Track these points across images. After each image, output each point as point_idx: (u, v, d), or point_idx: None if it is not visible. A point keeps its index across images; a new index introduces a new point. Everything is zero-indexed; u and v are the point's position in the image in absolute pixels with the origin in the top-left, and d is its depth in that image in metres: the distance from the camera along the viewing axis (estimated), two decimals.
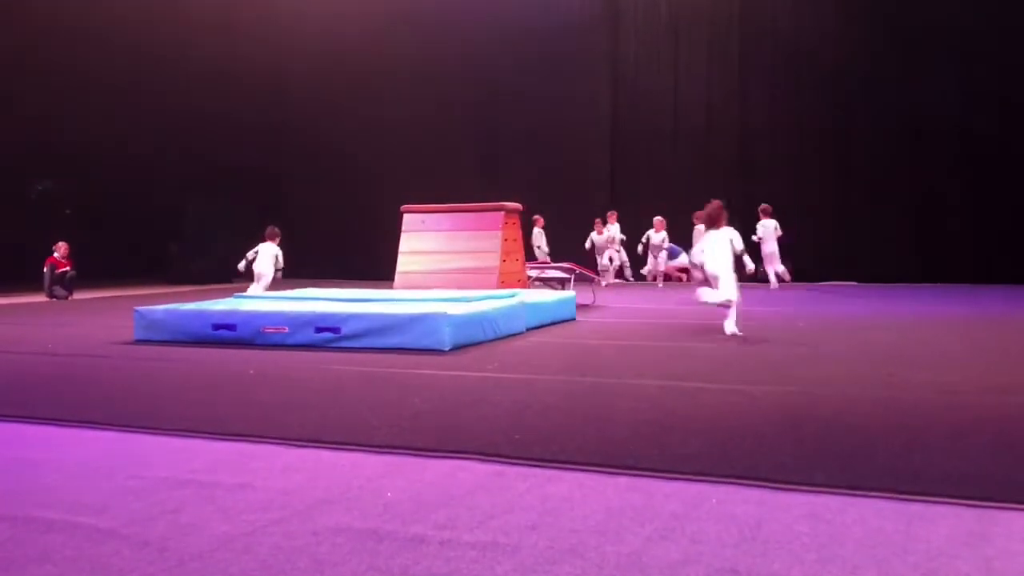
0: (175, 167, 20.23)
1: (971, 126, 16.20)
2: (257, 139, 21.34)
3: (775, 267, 15.19)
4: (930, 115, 16.50)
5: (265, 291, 12.53)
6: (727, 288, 8.46)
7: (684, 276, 16.22)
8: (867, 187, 17.12)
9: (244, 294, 11.08)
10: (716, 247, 8.60)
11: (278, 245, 13.35)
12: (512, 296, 9.58)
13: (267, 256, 13.19)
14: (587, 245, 17.97)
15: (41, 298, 14.87)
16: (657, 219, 16.78)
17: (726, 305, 8.52)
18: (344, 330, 7.89)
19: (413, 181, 18.61)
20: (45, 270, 15.05)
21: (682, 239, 16.93)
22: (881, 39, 16.99)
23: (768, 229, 15.27)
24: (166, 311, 8.81)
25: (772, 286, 14.97)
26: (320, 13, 21.05)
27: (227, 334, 8.26)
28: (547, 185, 18.81)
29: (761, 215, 15.48)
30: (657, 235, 16.79)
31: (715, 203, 8.77)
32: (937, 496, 3.23)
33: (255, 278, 13.23)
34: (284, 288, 11.93)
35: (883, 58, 16.98)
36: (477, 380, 6.13)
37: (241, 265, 13.39)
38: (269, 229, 13.50)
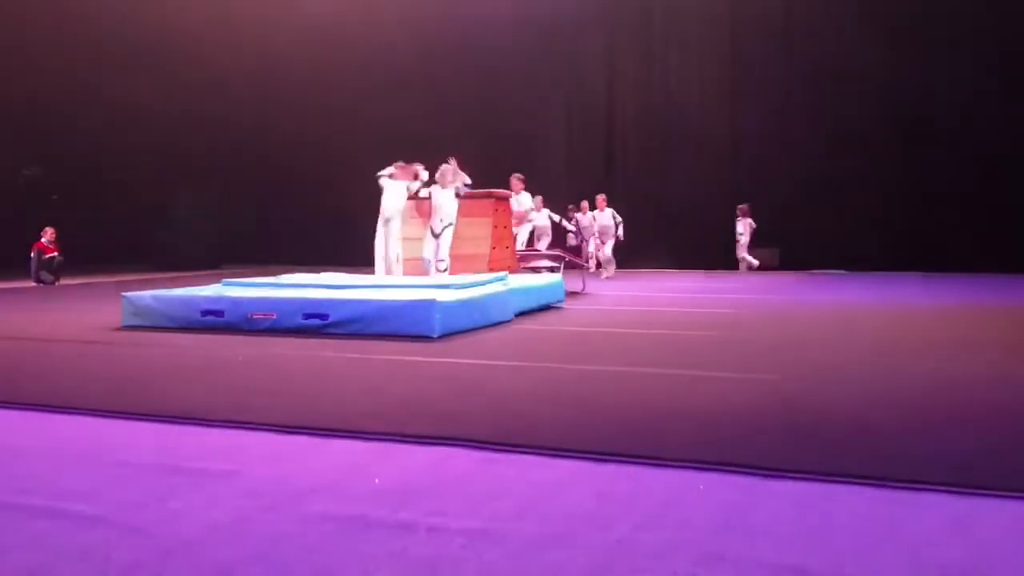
0: (163, 153, 20.11)
1: (965, 114, 16.23)
2: (246, 125, 21.22)
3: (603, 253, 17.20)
4: (923, 103, 16.52)
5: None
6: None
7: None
8: (858, 175, 17.15)
9: (233, 280, 11.02)
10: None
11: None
12: (501, 281, 9.57)
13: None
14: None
15: (28, 283, 14.79)
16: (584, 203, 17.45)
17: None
18: (333, 316, 7.87)
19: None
20: (32, 255, 14.96)
21: (681, 231, 16.99)
22: (876, 26, 16.99)
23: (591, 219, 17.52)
24: (154, 297, 8.77)
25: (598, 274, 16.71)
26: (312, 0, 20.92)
27: (215, 320, 8.23)
28: (539, 175, 18.78)
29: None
30: (585, 217, 17.35)
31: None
32: (924, 483, 3.24)
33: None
34: (274, 274, 11.87)
35: (877, 45, 16.98)
36: (466, 367, 6.13)
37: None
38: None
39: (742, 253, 17.37)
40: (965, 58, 16.18)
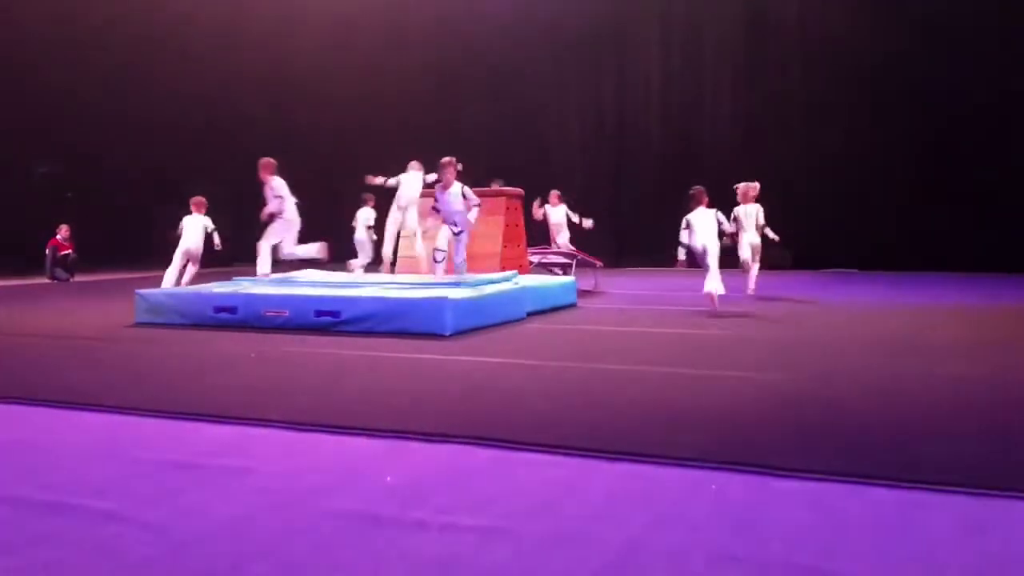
0: (177, 150, 20.18)
1: (975, 113, 16.12)
2: (258, 122, 21.27)
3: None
4: (933, 102, 16.42)
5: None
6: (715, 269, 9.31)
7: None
8: (870, 174, 17.06)
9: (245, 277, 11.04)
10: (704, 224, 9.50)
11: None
12: (512, 280, 9.56)
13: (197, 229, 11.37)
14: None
15: (43, 280, 14.88)
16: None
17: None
18: (345, 314, 7.89)
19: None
20: (47, 252, 15.06)
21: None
22: (887, 23, 16.90)
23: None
24: (167, 294, 8.81)
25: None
26: None
27: (228, 317, 8.26)
28: (548, 173, 18.76)
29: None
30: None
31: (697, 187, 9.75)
32: (937, 484, 3.23)
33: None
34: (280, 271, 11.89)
35: (892, 45, 16.89)
36: (478, 365, 6.13)
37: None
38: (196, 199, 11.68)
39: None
40: (982, 57, 16.06)
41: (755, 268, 11.01)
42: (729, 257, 10.68)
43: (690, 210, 9.57)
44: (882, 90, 16.99)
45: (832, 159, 17.31)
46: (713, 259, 9.31)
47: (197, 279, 11.13)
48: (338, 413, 4.52)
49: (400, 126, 20.08)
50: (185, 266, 11.15)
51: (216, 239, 11.44)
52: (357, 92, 20.94)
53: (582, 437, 3.97)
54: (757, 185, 11.20)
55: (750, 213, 10.86)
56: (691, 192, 9.71)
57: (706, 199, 9.58)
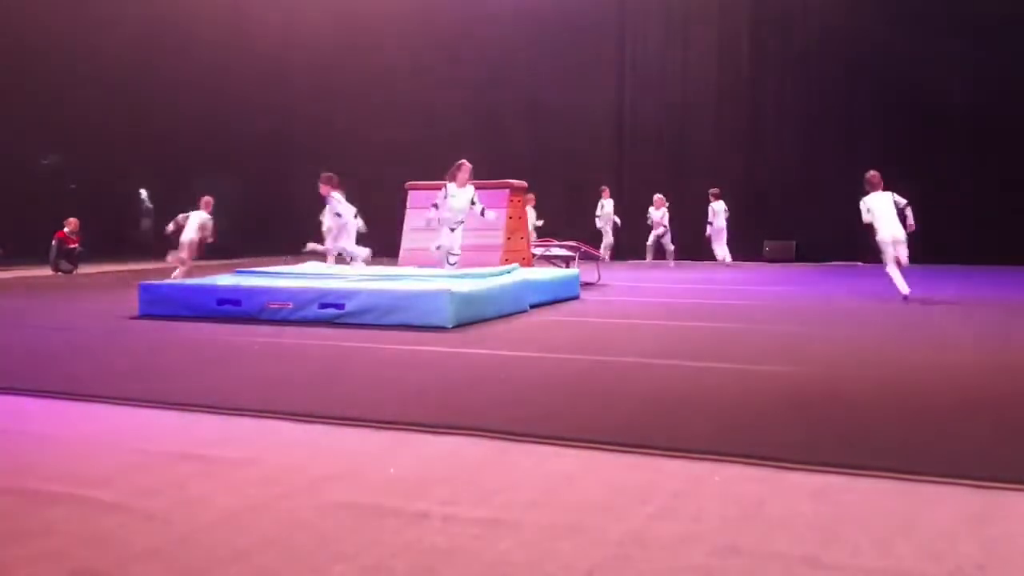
0: (181, 142, 20.19)
1: (979, 105, 16.08)
2: (262, 117, 21.28)
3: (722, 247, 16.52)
4: (938, 94, 16.37)
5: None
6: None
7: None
8: (872, 166, 17.01)
9: (247, 269, 11.04)
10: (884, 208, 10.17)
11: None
12: (514, 273, 9.55)
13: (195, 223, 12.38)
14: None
15: (46, 272, 14.89)
16: (657, 196, 17.17)
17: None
18: (348, 306, 7.90)
19: (418, 158, 18.57)
20: (53, 244, 15.04)
21: (695, 216, 16.94)
22: (891, 17, 16.85)
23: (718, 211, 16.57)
24: (171, 286, 8.82)
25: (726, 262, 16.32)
26: None
27: (231, 309, 8.27)
28: (551, 165, 18.74)
29: (711, 198, 16.51)
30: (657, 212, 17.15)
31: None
32: (940, 477, 3.23)
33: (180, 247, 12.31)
34: (288, 263, 11.88)
35: (892, 36, 16.84)
36: (480, 357, 6.13)
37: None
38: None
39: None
40: (986, 44, 16.00)
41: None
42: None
43: (866, 193, 10.36)
44: (887, 82, 16.95)
45: (837, 152, 17.29)
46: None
47: (203, 271, 11.18)
48: (341, 405, 4.53)
49: (401, 118, 20.06)
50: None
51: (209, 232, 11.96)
52: (362, 82, 20.87)
53: (584, 429, 3.97)
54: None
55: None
56: (867, 176, 10.49)
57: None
